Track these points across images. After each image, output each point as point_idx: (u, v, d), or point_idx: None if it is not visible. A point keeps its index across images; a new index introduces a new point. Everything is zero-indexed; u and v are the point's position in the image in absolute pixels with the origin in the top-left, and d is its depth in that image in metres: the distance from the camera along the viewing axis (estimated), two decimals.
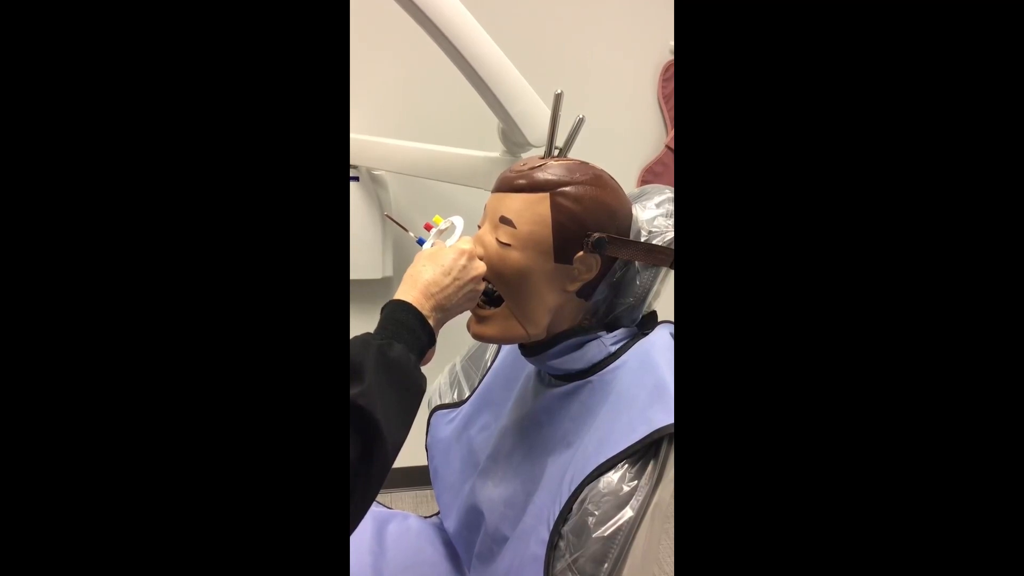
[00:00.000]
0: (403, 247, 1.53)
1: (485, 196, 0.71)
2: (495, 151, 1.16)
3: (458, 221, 0.71)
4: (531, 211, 0.60)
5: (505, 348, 0.84)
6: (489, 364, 0.85)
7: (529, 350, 0.66)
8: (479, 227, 0.65)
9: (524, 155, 1.15)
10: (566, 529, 0.55)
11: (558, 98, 0.64)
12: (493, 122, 1.10)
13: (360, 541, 0.78)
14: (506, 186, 0.62)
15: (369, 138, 1.35)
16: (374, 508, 0.87)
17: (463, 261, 0.59)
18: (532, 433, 0.68)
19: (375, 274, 1.45)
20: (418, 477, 1.67)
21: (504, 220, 0.60)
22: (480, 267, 0.60)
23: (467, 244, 0.61)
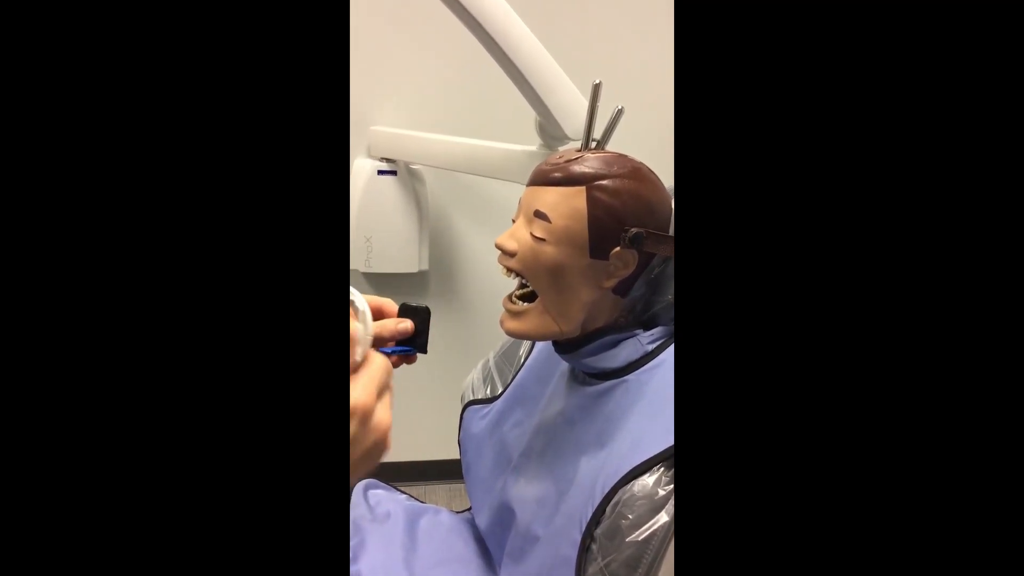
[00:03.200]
0: (440, 242, 1.53)
1: (521, 190, 0.70)
2: (532, 144, 1.15)
3: (360, 301, 0.43)
4: (566, 205, 0.58)
5: (539, 344, 0.83)
6: (523, 360, 0.84)
7: (563, 347, 0.65)
8: (513, 221, 0.64)
9: (561, 148, 1.13)
10: (599, 532, 0.53)
11: (596, 88, 0.62)
12: (530, 115, 1.08)
13: (392, 535, 0.78)
14: (541, 179, 0.61)
15: (406, 132, 1.35)
16: (406, 502, 0.87)
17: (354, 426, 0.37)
18: (565, 431, 0.66)
19: (411, 268, 1.46)
20: (452, 471, 1.68)
21: (539, 214, 0.59)
22: (380, 428, 0.39)
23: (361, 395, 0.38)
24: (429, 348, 0.50)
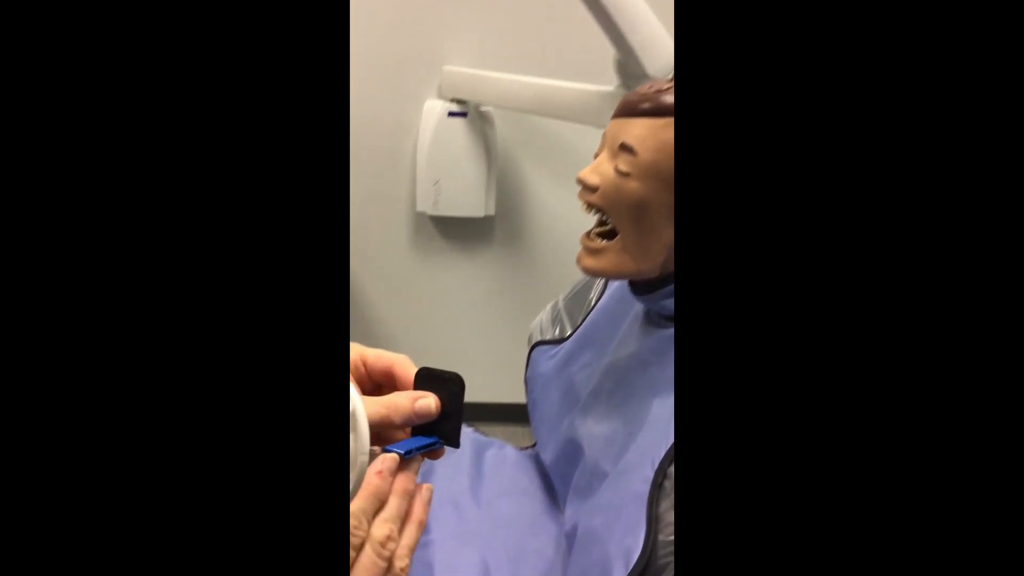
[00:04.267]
0: (507, 186, 1.52)
1: (595, 135, 0.67)
2: (610, 85, 1.11)
3: (352, 396, 0.34)
4: (655, 138, 0.56)
5: (611, 287, 0.82)
6: (593, 303, 0.84)
7: (640, 288, 0.64)
8: (595, 156, 0.62)
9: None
10: (672, 470, 0.53)
11: None
12: (609, 53, 1.04)
13: (459, 464, 0.81)
14: (628, 110, 0.58)
15: (476, 72, 1.33)
16: (472, 435, 0.89)
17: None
18: (638, 373, 0.66)
19: (478, 212, 1.46)
20: (513, 414, 1.71)
21: (624, 147, 0.57)
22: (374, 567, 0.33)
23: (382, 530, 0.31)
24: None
